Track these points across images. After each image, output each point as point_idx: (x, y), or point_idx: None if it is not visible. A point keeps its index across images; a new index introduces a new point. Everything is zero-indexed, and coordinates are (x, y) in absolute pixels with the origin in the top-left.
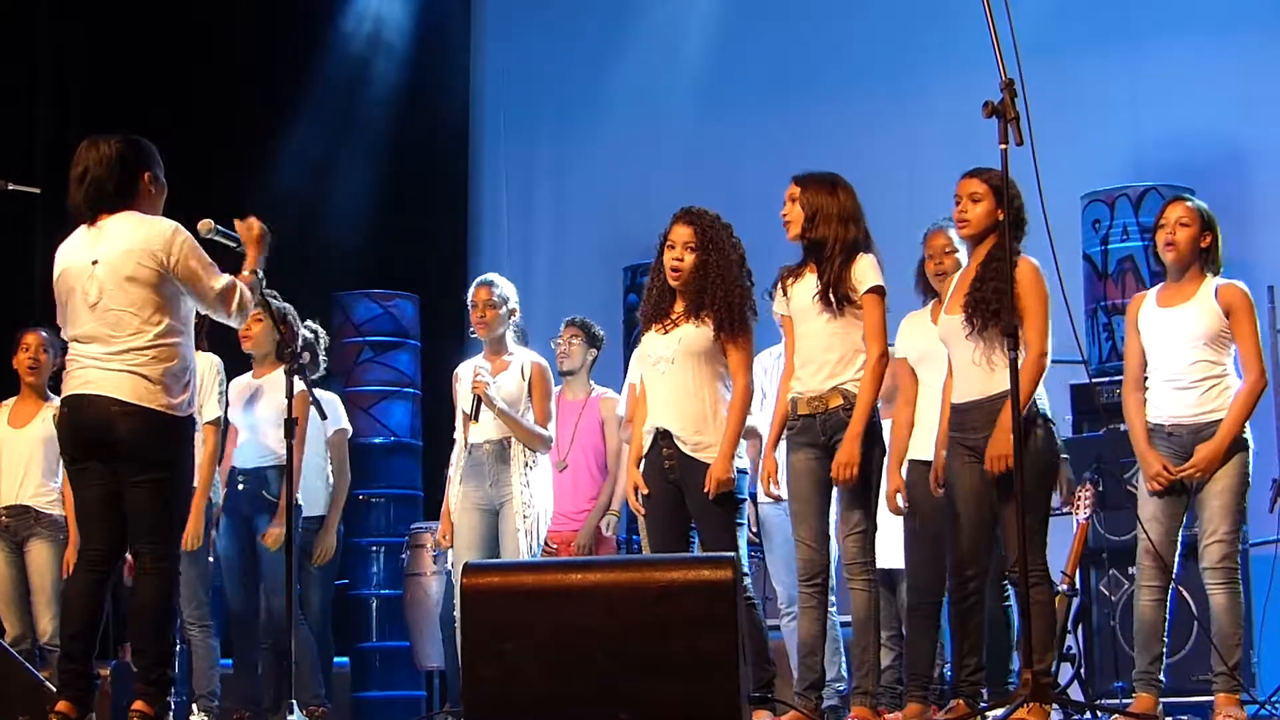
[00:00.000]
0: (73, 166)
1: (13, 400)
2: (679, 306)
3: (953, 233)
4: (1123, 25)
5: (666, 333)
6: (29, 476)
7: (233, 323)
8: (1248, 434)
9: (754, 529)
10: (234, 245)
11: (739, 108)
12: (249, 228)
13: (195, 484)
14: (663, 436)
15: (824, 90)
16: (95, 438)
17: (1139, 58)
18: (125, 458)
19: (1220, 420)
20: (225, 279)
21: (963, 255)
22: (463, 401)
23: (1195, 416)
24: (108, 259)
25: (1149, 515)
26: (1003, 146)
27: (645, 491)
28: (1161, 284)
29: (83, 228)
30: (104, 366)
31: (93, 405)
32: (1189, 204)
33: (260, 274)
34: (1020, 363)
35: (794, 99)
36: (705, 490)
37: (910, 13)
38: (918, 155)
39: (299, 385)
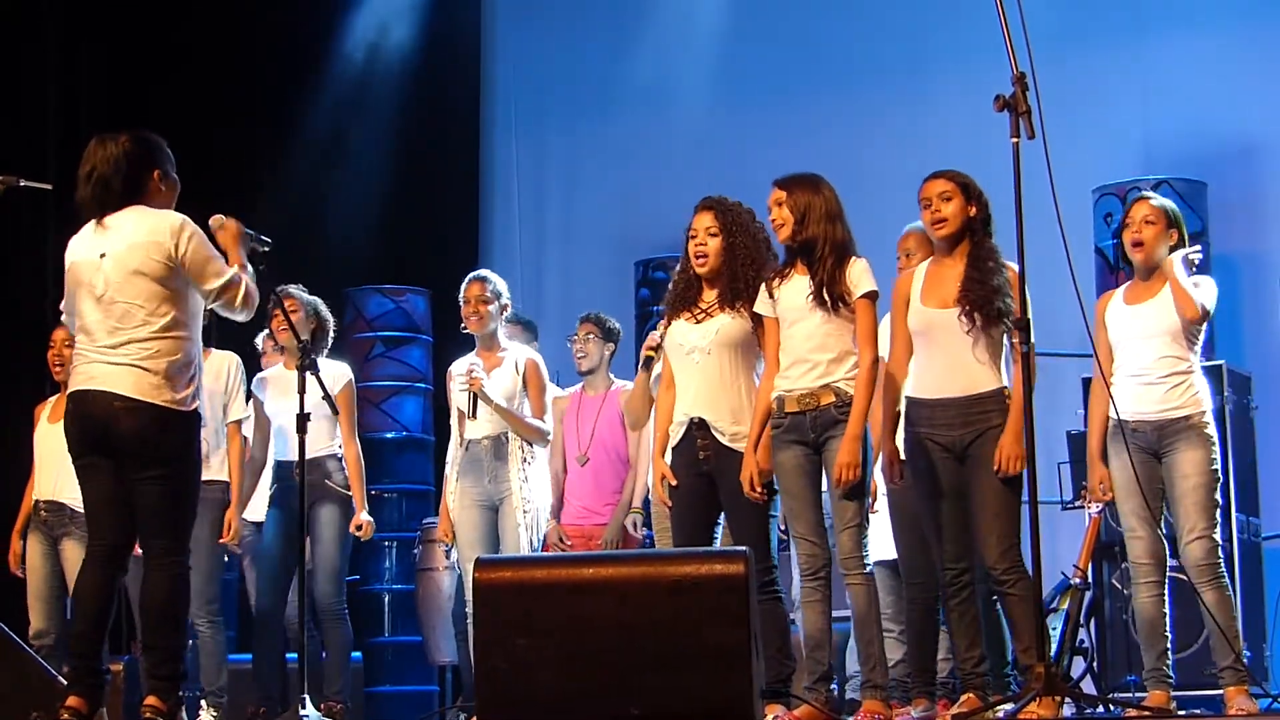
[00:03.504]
0: (81, 164)
1: (55, 397)
2: (710, 295)
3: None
4: (1134, 18)
5: (699, 322)
6: (65, 474)
7: (239, 317)
8: (1211, 430)
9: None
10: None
11: (750, 102)
12: (219, 226)
13: (228, 480)
14: (698, 426)
15: (835, 85)
16: (99, 434)
17: (1150, 50)
18: (129, 454)
19: (1184, 416)
20: (231, 272)
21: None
22: (457, 399)
23: (1160, 413)
24: (115, 253)
25: (1130, 519)
26: (1014, 140)
27: (674, 483)
28: (1129, 282)
29: (91, 223)
30: (107, 360)
31: (96, 401)
32: (1154, 202)
33: (249, 268)
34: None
35: (805, 93)
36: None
37: (921, 6)
38: (929, 150)
39: (314, 382)
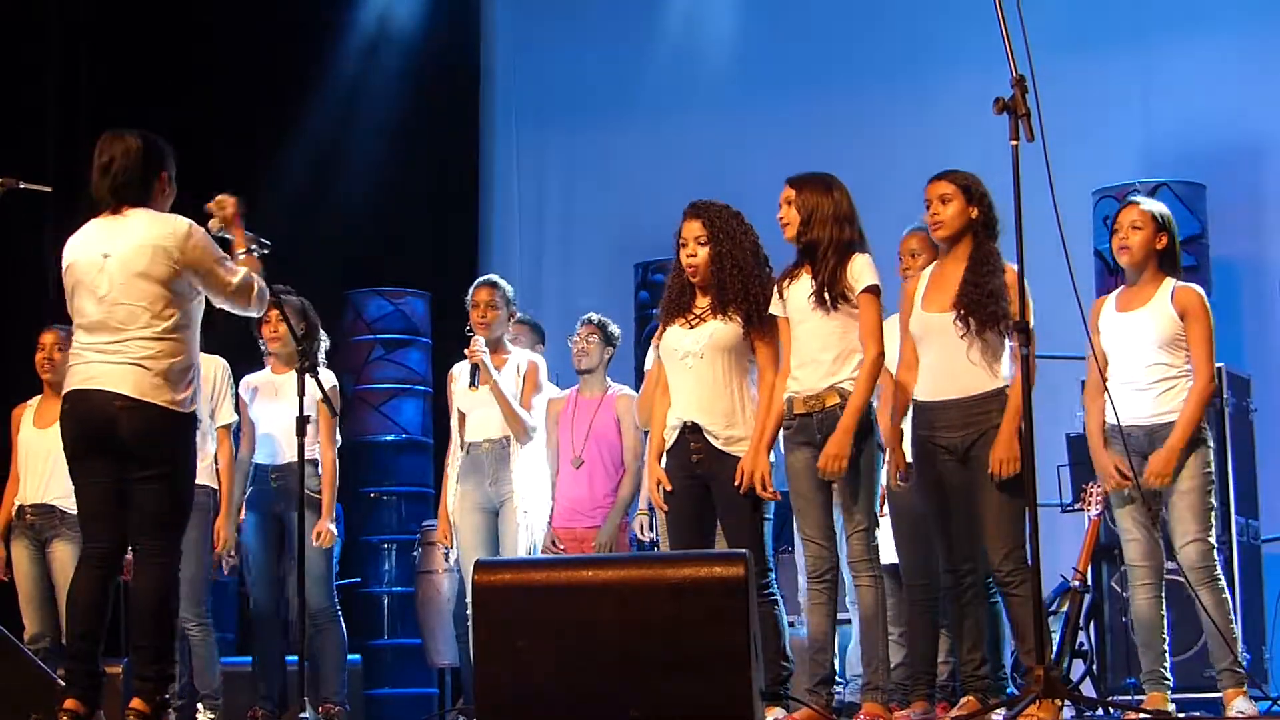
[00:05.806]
0: (97, 156)
1: (38, 400)
2: (703, 301)
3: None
4: (1134, 20)
5: (692, 328)
6: (54, 476)
7: (252, 313)
8: (1205, 433)
9: None
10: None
11: (752, 103)
12: (220, 206)
13: (216, 485)
14: (691, 430)
15: (836, 87)
16: (98, 434)
17: (1151, 53)
18: (128, 454)
19: (1175, 421)
20: (241, 272)
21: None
22: (458, 400)
23: (1151, 418)
24: (120, 254)
25: (1125, 522)
26: (1014, 143)
27: (669, 487)
28: (1121, 288)
29: (93, 221)
30: (107, 360)
31: (95, 400)
32: (1142, 207)
33: (257, 249)
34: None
35: (807, 95)
36: (736, 484)
37: (922, 9)
38: (929, 152)
39: (314, 384)
